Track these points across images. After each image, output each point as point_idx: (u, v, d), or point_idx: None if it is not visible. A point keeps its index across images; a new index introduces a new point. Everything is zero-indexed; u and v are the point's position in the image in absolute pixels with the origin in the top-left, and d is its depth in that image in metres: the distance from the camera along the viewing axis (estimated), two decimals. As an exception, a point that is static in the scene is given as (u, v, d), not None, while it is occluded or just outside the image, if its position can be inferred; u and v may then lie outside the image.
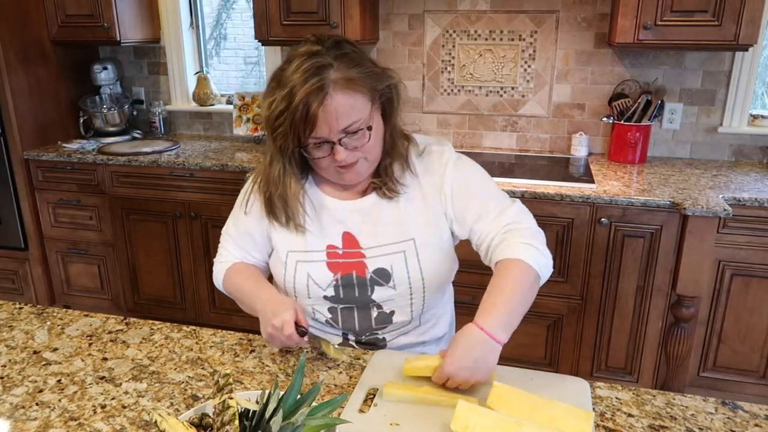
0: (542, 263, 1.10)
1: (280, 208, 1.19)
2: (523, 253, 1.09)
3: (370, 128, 1.10)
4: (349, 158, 1.11)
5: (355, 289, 1.20)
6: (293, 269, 1.21)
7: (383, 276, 1.19)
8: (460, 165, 1.22)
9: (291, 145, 1.10)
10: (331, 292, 1.21)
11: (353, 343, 1.28)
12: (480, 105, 2.89)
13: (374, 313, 1.23)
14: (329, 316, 1.25)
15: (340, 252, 1.20)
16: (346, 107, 1.06)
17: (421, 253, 1.19)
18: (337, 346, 1.14)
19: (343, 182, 1.19)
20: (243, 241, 1.27)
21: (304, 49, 1.08)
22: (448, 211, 1.21)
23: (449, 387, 1.00)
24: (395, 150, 1.19)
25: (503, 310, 1.03)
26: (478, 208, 1.18)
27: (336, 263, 1.20)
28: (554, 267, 1.12)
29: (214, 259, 1.33)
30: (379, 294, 1.21)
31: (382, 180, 1.19)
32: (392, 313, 1.23)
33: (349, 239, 1.20)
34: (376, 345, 1.27)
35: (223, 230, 1.32)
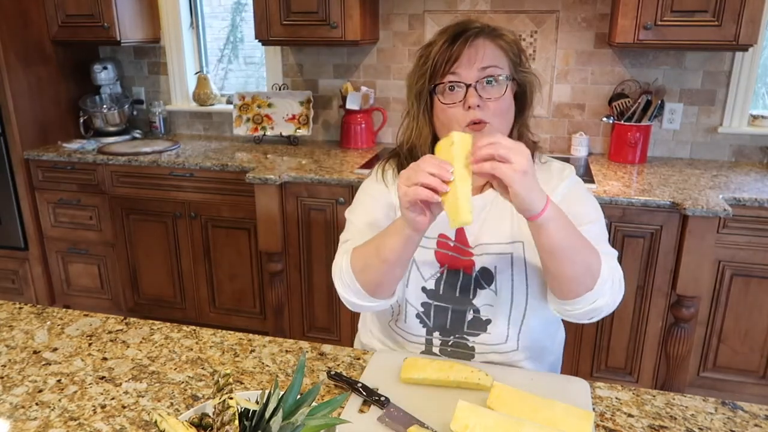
0: (612, 273, 1.03)
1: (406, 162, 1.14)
2: (603, 256, 1.03)
3: (508, 78, 1.09)
4: (479, 112, 1.07)
5: (457, 289, 1.16)
6: None
7: (486, 277, 1.14)
8: (578, 183, 1.19)
9: (426, 86, 1.10)
10: (431, 285, 1.17)
11: (437, 350, 1.20)
12: (480, 105, 2.89)
13: (469, 316, 1.17)
14: (421, 309, 1.19)
15: (452, 244, 1.15)
16: (489, 51, 1.09)
17: (529, 259, 1.12)
18: None
19: None
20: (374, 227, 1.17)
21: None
22: None
23: (484, 154, 0.93)
24: (521, 141, 1.16)
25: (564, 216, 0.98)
26: (577, 224, 1.07)
27: (445, 254, 1.15)
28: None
29: (335, 260, 1.19)
30: (480, 299, 1.15)
31: None
32: (488, 321, 1.16)
33: (460, 233, 1.15)
34: (464, 354, 1.18)
35: (345, 229, 1.23)
